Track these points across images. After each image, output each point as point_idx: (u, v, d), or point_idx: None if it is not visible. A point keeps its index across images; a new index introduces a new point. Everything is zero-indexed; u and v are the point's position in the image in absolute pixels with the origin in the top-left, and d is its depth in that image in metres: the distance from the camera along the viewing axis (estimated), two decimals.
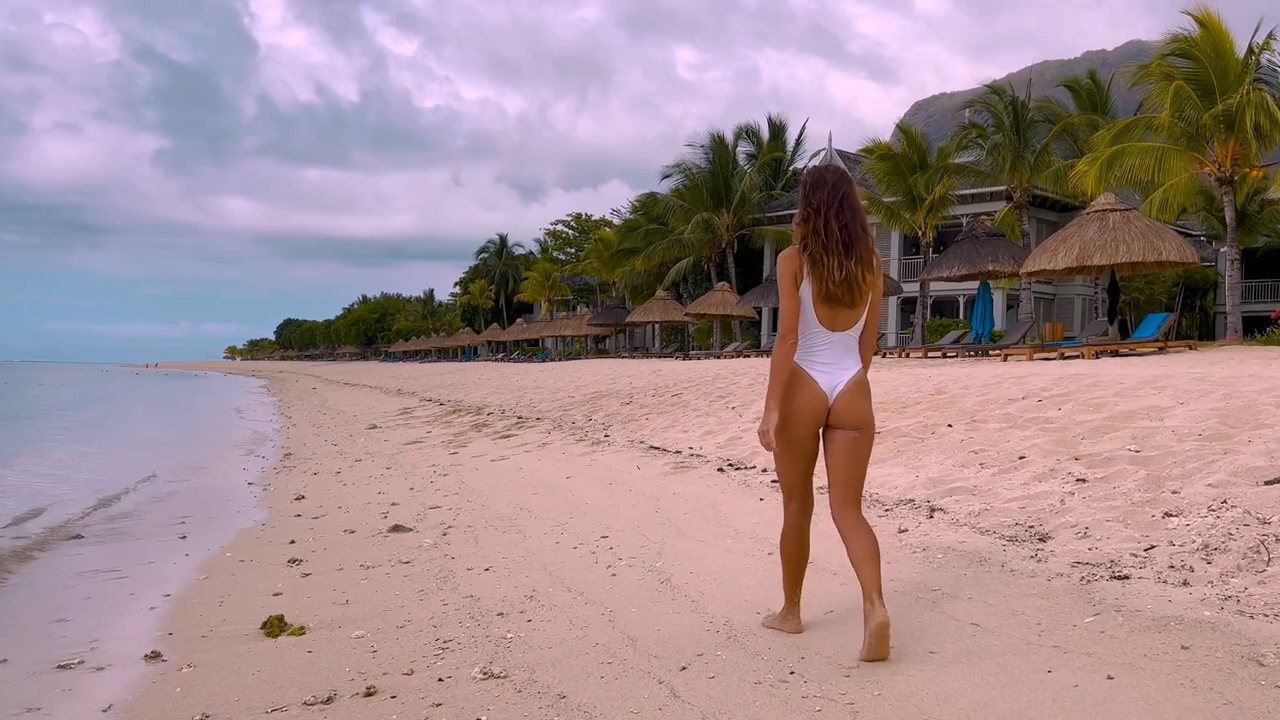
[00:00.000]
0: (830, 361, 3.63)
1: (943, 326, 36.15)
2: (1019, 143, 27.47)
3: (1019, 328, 21.77)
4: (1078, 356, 16.81)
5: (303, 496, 9.24)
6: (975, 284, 37.91)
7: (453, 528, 7.00)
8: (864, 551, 3.54)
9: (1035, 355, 17.37)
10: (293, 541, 6.93)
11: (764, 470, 7.54)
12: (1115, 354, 16.78)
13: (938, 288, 36.47)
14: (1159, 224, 17.31)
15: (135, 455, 14.83)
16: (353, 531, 7.18)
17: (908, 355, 22.57)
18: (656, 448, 9.86)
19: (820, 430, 3.71)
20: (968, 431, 7.28)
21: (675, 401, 13.49)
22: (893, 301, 40.54)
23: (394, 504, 8.38)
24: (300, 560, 6.20)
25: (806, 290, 3.59)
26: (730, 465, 8.03)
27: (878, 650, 3.41)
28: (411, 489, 9.29)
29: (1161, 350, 16.67)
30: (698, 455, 8.99)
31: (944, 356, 21.34)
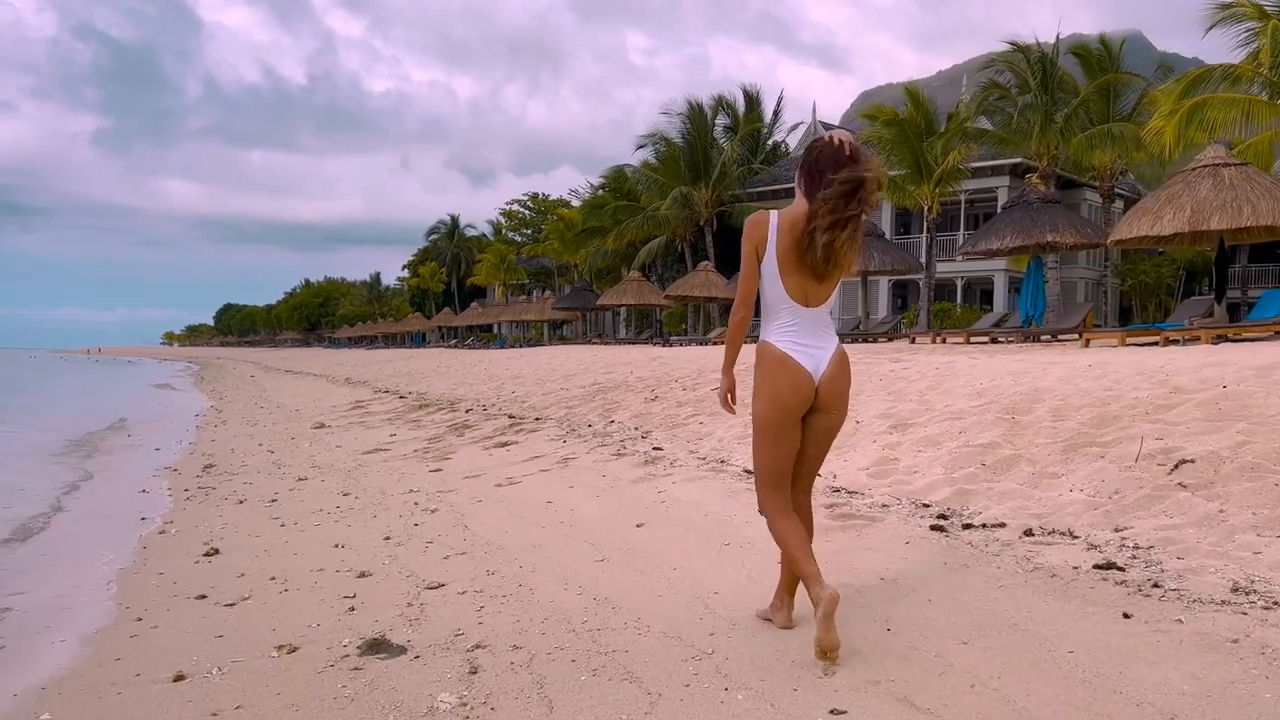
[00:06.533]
0: (808, 341, 3.40)
1: (942, 311, 33.34)
2: (1049, 103, 24.56)
3: (1076, 309, 18.88)
4: (1179, 341, 13.92)
5: (216, 550, 5.91)
6: (974, 265, 35.51)
7: (484, 648, 3.73)
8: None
9: (1128, 340, 14.43)
10: (179, 677, 3.63)
11: (1036, 534, 4.34)
12: (1224, 339, 13.93)
13: (941, 269, 33.73)
14: None
15: (9, 465, 11.27)
16: (294, 650, 3.89)
17: (944, 340, 19.58)
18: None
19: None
20: None
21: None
22: (883, 283, 37.71)
23: (363, 575, 5.08)
24: None
25: (771, 261, 3.35)
26: (943, 517, 4.82)
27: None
28: (388, 538, 5.98)
29: None
30: (842, 489, 5.77)
31: (992, 342, 18.37)
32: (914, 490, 5.40)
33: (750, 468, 6.84)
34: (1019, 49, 25.63)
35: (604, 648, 3.60)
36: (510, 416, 12.15)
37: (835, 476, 6.09)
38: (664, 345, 30.39)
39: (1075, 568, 3.82)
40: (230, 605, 4.65)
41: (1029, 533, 4.33)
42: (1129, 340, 14.42)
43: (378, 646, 3.85)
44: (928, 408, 7.56)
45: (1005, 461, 5.51)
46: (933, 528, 4.64)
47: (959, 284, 36.63)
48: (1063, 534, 4.29)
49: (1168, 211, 13.82)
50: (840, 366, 3.43)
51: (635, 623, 3.87)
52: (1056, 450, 5.48)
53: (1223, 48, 26.49)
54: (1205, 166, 14.07)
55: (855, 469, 6.15)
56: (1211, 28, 18.12)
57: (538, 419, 11.52)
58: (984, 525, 4.56)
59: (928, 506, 5.05)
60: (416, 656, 3.70)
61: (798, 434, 3.46)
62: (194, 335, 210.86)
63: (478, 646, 3.75)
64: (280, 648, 3.93)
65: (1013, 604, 3.53)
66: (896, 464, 6.04)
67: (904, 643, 3.31)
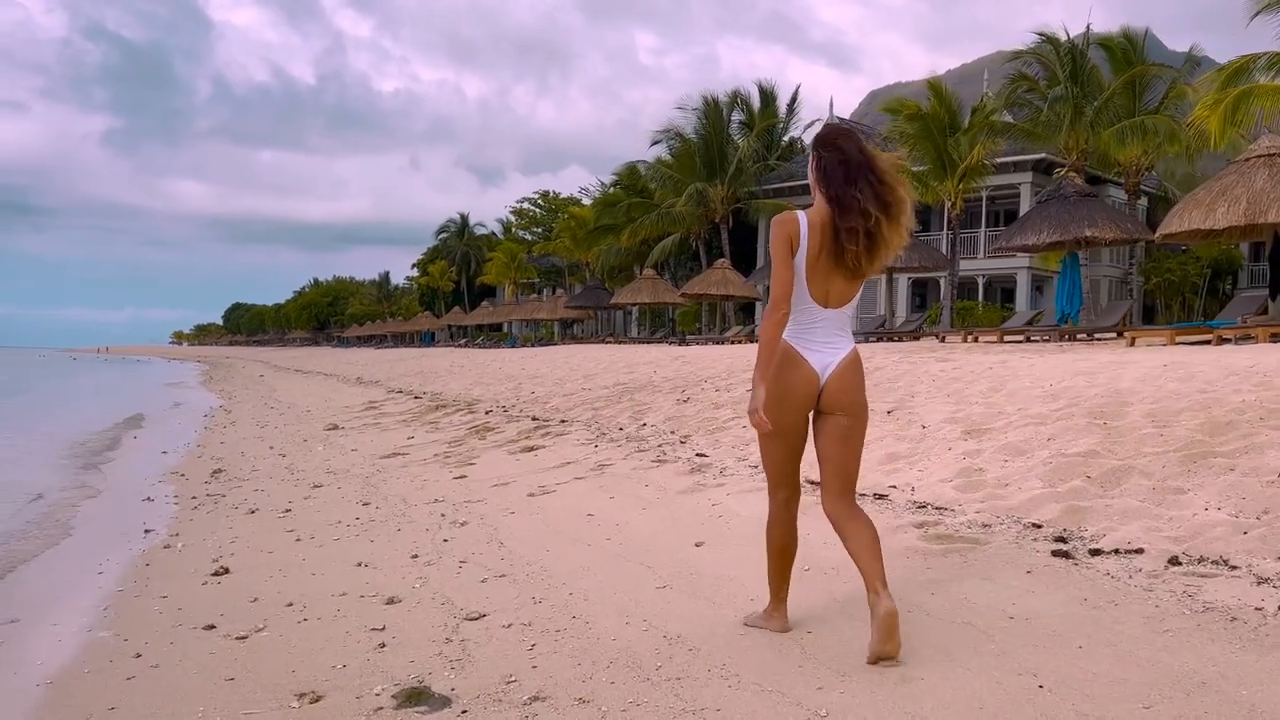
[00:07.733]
0: (823, 340, 3.34)
1: (964, 310, 32.65)
2: (1079, 96, 23.88)
3: (1113, 308, 18.24)
4: (1232, 340, 13.28)
5: (226, 569, 5.34)
6: (995, 263, 34.76)
7: (543, 700, 3.14)
8: (864, 543, 3.24)
9: (1177, 339, 13.79)
10: None
11: (1184, 563, 3.68)
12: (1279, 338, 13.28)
13: (962, 267, 33.00)
14: None
15: (10, 467, 10.71)
16: (317, 699, 3.31)
17: (975, 339, 18.94)
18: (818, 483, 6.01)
19: (810, 414, 3.41)
20: None
21: None
22: (903, 281, 37.02)
23: (392, 601, 4.49)
24: None
25: (801, 260, 3.26)
26: (1061, 540, 4.18)
27: (886, 645, 3.07)
28: (415, 556, 5.40)
29: None
30: (928, 505, 5.16)
31: (1027, 340, 17.73)
32: (1013, 506, 4.78)
33: (814, 478, 6.25)
34: (1048, 40, 24.96)
35: (690, 704, 3.00)
36: (534, 419, 11.56)
37: (914, 490, 5.48)
38: (681, 344, 29.79)
39: (1258, 608, 3.20)
40: (242, 638, 4.07)
41: (1175, 561, 3.70)
42: (1178, 339, 13.78)
43: (417, 697, 3.27)
44: (999, 411, 6.94)
45: (1114, 474, 4.89)
46: (1055, 553, 4.01)
47: (980, 282, 35.93)
48: (1216, 563, 3.67)
49: (1221, 204, 13.18)
50: (851, 368, 3.35)
51: (721, 670, 3.27)
52: (1173, 461, 4.87)
53: (1230, 48, 25.85)
54: (1260, 156, 13.44)
55: (936, 480, 5.53)
56: (1256, 14, 17.44)
57: (563, 421, 10.93)
58: (1116, 551, 3.93)
59: (1038, 527, 4.43)
60: (464, 711, 3.11)
61: (801, 434, 3.44)
62: (203, 335, 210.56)
63: (535, 699, 3.16)
64: (301, 696, 3.35)
65: (1191, 655, 2.92)
66: (983, 475, 5.42)
67: (1067, 706, 2.70)
